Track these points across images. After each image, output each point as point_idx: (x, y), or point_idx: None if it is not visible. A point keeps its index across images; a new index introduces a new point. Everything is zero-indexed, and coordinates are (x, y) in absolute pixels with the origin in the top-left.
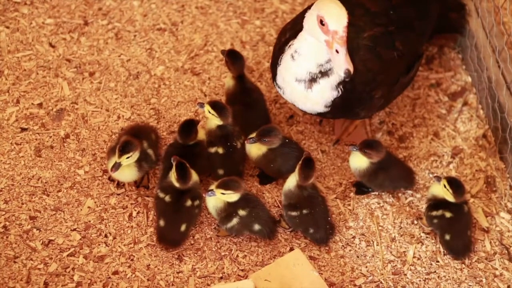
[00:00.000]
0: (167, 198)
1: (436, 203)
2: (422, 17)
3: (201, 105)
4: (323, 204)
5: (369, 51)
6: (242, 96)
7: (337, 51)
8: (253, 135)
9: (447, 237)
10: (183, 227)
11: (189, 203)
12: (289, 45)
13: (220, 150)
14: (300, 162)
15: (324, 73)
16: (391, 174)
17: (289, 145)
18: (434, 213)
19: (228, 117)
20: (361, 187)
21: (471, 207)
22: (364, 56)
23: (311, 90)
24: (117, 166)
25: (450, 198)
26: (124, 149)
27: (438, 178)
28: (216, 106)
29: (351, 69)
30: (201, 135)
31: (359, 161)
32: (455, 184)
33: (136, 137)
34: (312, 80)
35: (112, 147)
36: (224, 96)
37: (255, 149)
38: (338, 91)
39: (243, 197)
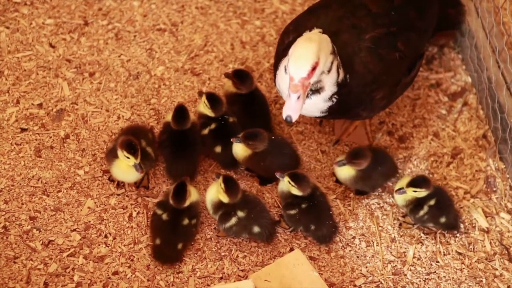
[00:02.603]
0: (164, 216)
1: (417, 204)
2: (424, 17)
3: (200, 94)
4: (323, 197)
5: (370, 53)
6: (242, 97)
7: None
8: (240, 135)
9: (443, 219)
10: (179, 246)
11: (186, 221)
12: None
13: (213, 126)
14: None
15: (315, 91)
16: (383, 171)
17: (277, 142)
18: (422, 212)
19: (220, 111)
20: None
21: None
22: (365, 58)
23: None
24: (140, 167)
25: (423, 194)
26: (132, 148)
27: (401, 191)
28: (211, 98)
29: (293, 118)
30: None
31: (347, 170)
32: (420, 182)
33: (134, 137)
34: None
35: (111, 149)
36: (223, 97)
37: (241, 151)
38: (333, 101)
39: (243, 198)
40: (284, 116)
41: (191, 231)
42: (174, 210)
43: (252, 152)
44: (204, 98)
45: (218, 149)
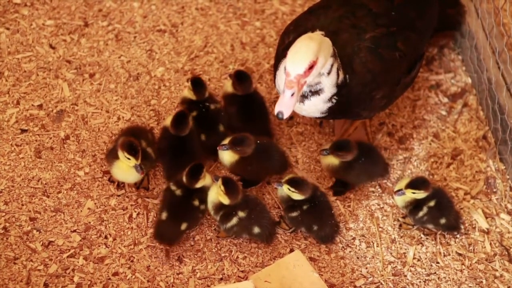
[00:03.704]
0: (178, 192)
1: (416, 205)
2: (423, 17)
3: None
4: (323, 197)
5: (370, 53)
6: (240, 98)
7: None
8: (226, 141)
9: (443, 220)
10: (183, 226)
11: (196, 203)
12: None
13: (194, 113)
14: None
15: (315, 92)
16: (367, 166)
17: (263, 146)
18: (421, 213)
19: (202, 95)
20: (338, 187)
21: (434, 182)
22: (365, 58)
23: (303, 104)
24: (141, 168)
25: (422, 195)
26: (133, 149)
27: (400, 193)
28: (194, 81)
29: (285, 115)
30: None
31: (330, 159)
32: (419, 183)
33: (134, 137)
34: (303, 96)
35: (111, 150)
36: (221, 97)
37: (228, 157)
38: (332, 102)
39: (244, 198)
40: (275, 112)
41: (197, 215)
42: (187, 189)
43: (239, 157)
44: (189, 82)
45: (202, 137)
